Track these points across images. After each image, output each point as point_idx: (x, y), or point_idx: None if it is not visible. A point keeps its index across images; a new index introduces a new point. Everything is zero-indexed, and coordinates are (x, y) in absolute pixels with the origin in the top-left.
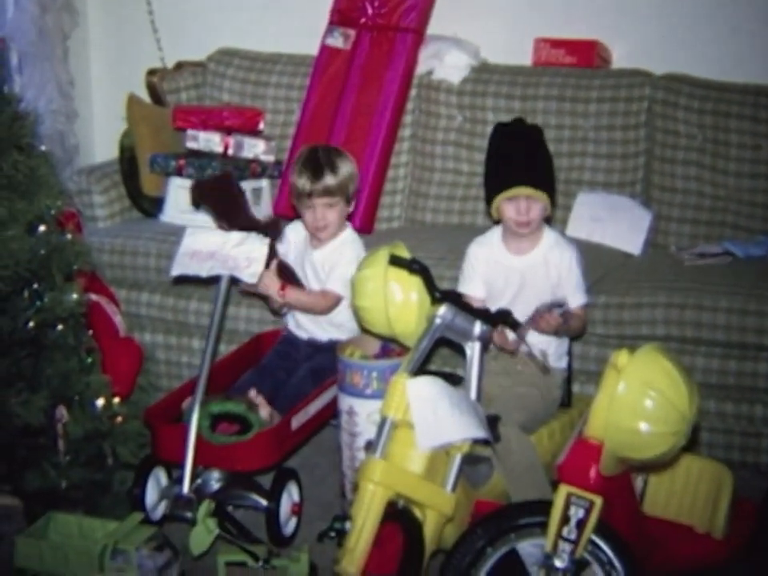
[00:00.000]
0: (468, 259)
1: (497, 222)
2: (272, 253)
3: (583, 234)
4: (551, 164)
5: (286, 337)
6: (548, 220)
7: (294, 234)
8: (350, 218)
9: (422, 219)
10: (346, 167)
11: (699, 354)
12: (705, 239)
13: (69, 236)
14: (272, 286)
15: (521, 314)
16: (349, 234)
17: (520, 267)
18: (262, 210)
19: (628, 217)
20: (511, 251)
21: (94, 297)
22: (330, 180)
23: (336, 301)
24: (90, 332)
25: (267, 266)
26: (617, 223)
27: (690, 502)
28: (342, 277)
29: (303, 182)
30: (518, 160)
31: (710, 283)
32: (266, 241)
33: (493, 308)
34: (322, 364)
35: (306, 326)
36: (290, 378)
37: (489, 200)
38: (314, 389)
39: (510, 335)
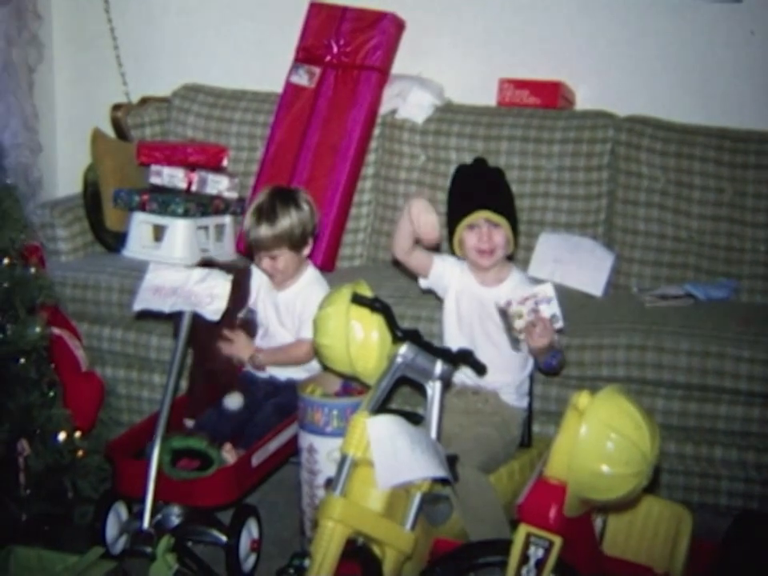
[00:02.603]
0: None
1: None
2: (240, 304)
3: (545, 274)
4: (512, 198)
5: (245, 375)
6: (510, 259)
7: (258, 276)
8: (311, 255)
9: (384, 258)
10: (287, 219)
11: (660, 395)
12: (666, 281)
13: (32, 270)
14: (245, 351)
15: (483, 348)
16: (310, 275)
17: (483, 297)
18: (225, 246)
19: (590, 258)
20: (477, 281)
21: (56, 331)
22: (264, 232)
23: (312, 348)
24: (52, 366)
25: (234, 319)
26: (579, 264)
27: (650, 542)
28: None
29: (248, 230)
30: (478, 190)
31: (671, 325)
32: (229, 277)
33: (455, 339)
34: (285, 400)
35: None
36: (252, 415)
37: (451, 235)
38: (279, 424)
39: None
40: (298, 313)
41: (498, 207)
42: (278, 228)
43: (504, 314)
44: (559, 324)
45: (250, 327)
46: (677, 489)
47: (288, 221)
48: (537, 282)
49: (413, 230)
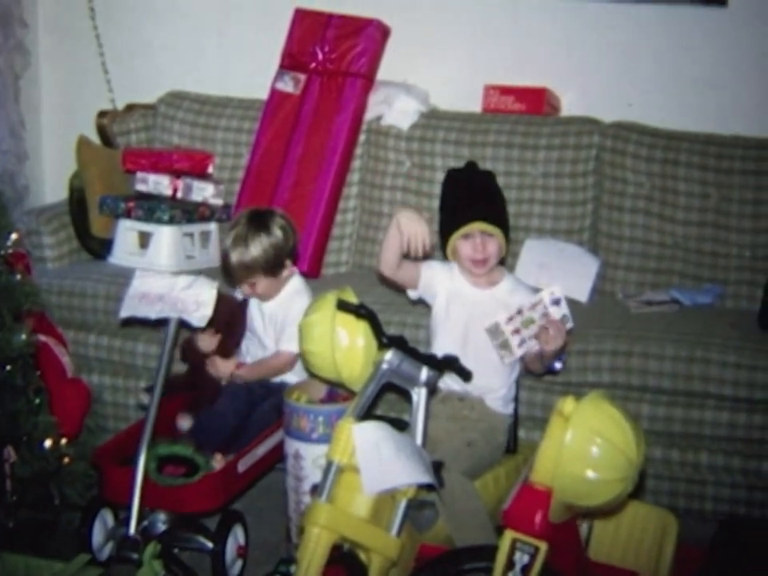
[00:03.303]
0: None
1: None
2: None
3: (530, 280)
4: (504, 204)
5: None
6: (501, 263)
7: None
8: (296, 263)
9: (369, 264)
10: (257, 247)
11: (645, 401)
12: (652, 287)
13: (18, 276)
14: (226, 368)
15: (474, 349)
16: (294, 285)
17: (476, 299)
18: (210, 253)
19: (575, 264)
20: (470, 283)
21: (42, 338)
22: (235, 262)
23: (292, 358)
24: (39, 373)
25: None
26: (564, 270)
27: (635, 548)
28: (294, 334)
29: (224, 254)
30: (472, 199)
31: (656, 331)
32: (215, 284)
33: (444, 344)
34: (280, 400)
35: None
36: (248, 417)
37: (444, 242)
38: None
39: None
40: (279, 323)
41: (493, 218)
42: (247, 257)
43: (494, 332)
44: (570, 324)
45: (225, 347)
46: (663, 494)
47: (258, 249)
48: (527, 284)
49: (401, 242)
